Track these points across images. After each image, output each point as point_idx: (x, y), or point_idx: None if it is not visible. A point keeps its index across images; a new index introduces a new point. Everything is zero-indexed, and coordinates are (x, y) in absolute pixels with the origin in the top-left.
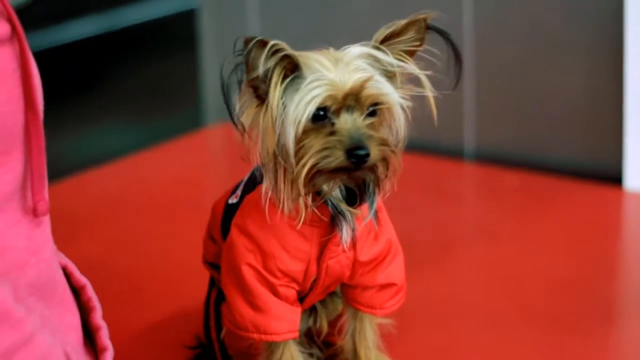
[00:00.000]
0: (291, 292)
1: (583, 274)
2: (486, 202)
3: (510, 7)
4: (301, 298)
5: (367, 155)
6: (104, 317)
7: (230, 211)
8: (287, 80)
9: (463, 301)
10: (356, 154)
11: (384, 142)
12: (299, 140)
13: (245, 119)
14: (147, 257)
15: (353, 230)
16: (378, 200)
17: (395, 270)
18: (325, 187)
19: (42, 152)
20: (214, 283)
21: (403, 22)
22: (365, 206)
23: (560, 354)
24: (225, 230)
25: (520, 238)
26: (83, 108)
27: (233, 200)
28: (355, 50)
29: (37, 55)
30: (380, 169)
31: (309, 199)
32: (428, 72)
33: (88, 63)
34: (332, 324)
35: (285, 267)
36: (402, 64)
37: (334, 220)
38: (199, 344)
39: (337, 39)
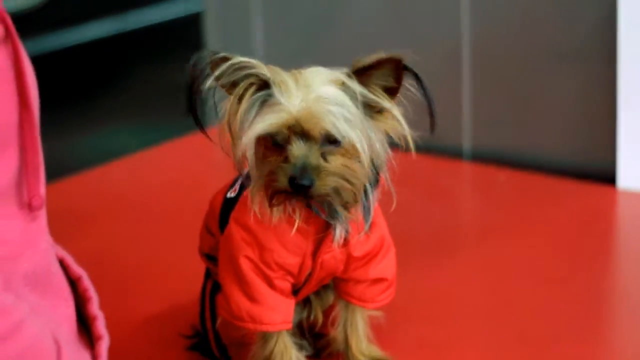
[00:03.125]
0: (286, 285)
1: (576, 271)
2: (482, 200)
3: (507, 11)
4: (295, 290)
5: (310, 186)
6: (102, 309)
7: (228, 205)
8: (256, 95)
9: (456, 297)
10: (297, 184)
11: (337, 173)
12: (263, 156)
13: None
14: (145, 252)
15: (347, 230)
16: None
17: (386, 266)
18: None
19: (37, 149)
20: (209, 275)
21: (377, 57)
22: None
23: (553, 351)
24: (223, 223)
25: (515, 236)
26: (89, 108)
27: (231, 194)
28: (326, 75)
29: (45, 58)
30: (336, 199)
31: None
32: (396, 108)
33: (95, 65)
34: (324, 315)
35: (281, 260)
36: (373, 97)
37: (328, 219)
38: (195, 334)
39: (340, 41)
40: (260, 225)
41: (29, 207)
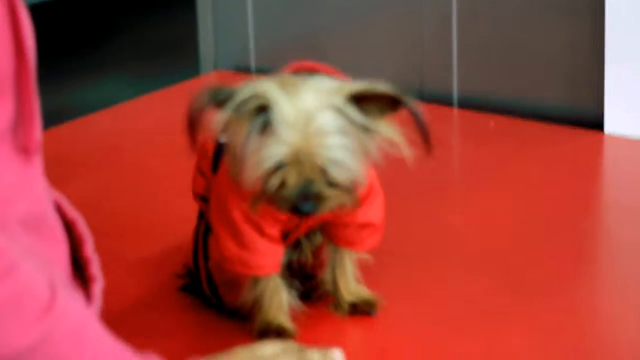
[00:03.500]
0: (275, 232)
1: (562, 215)
2: (470, 146)
3: None
4: (285, 234)
5: (311, 212)
6: (96, 252)
7: (220, 148)
8: (257, 118)
9: (445, 241)
10: (300, 211)
11: (337, 197)
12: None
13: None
14: (140, 197)
15: None
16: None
17: (374, 211)
18: None
19: (33, 95)
20: (202, 216)
21: (375, 89)
22: None
23: (539, 292)
24: (215, 164)
25: (503, 180)
26: (83, 58)
27: (224, 139)
28: (325, 98)
29: (42, 8)
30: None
31: None
32: (393, 131)
33: (90, 16)
34: (314, 255)
35: (270, 211)
36: (367, 123)
37: None
38: (187, 272)
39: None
40: None
41: (26, 152)
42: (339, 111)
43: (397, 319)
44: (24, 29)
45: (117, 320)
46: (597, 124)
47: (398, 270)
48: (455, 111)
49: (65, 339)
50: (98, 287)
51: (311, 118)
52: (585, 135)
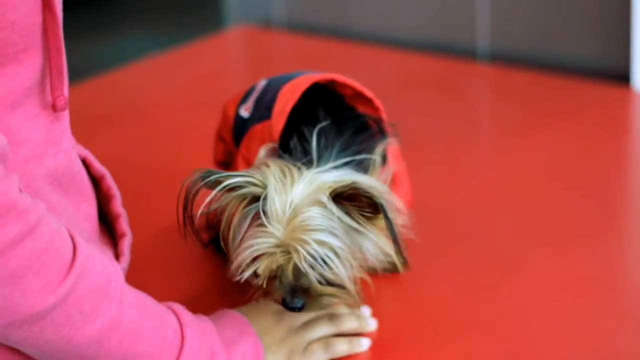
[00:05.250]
0: None
1: (589, 170)
2: (496, 100)
3: None
4: None
5: (300, 307)
6: (125, 208)
7: (241, 123)
8: (249, 207)
9: (473, 195)
10: (288, 305)
11: (329, 294)
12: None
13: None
14: (166, 154)
15: None
16: None
17: (400, 197)
18: None
19: (61, 50)
20: None
21: (353, 189)
22: None
23: (568, 247)
24: (237, 139)
25: (530, 136)
26: (110, 13)
27: (244, 112)
28: (313, 195)
29: None
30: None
31: None
32: (377, 234)
33: None
34: None
35: None
36: (352, 223)
37: None
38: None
39: None
40: None
41: (53, 108)
42: (327, 208)
43: (424, 276)
44: None
45: (143, 276)
46: (624, 77)
47: (424, 228)
48: (480, 65)
49: (89, 294)
50: (127, 242)
51: (298, 216)
52: (613, 89)
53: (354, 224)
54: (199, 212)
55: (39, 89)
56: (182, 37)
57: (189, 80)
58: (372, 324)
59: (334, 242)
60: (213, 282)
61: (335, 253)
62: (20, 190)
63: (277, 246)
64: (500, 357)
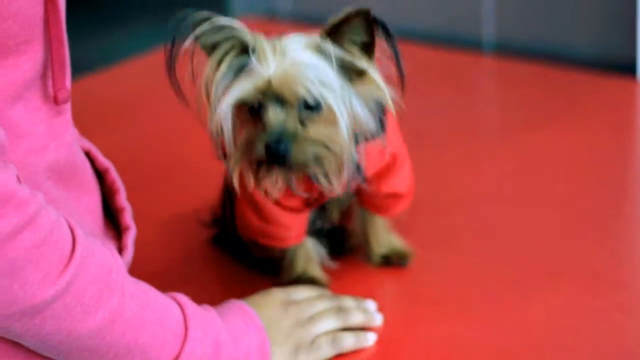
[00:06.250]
0: (297, 202)
1: (596, 161)
2: (502, 92)
3: None
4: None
5: (286, 152)
6: (129, 201)
7: None
8: (236, 60)
9: (479, 190)
10: (273, 151)
11: (315, 139)
12: (240, 127)
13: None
14: (172, 148)
15: (349, 182)
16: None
17: (400, 181)
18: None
19: (63, 43)
20: None
21: (345, 12)
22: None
23: (574, 241)
24: None
25: (537, 128)
26: (114, 8)
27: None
28: (304, 41)
29: None
30: (321, 165)
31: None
32: (373, 67)
33: None
34: (342, 214)
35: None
36: (348, 56)
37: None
38: (215, 222)
39: None
40: None
41: (55, 100)
42: (318, 49)
43: (431, 269)
44: None
45: (148, 269)
46: (630, 68)
47: (431, 220)
48: (486, 56)
49: (89, 286)
50: (131, 236)
51: (289, 55)
52: (618, 81)
53: (350, 57)
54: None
55: (40, 82)
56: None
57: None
58: (378, 319)
59: (327, 80)
60: (217, 273)
61: (328, 89)
62: (20, 182)
63: (266, 83)
64: (508, 352)
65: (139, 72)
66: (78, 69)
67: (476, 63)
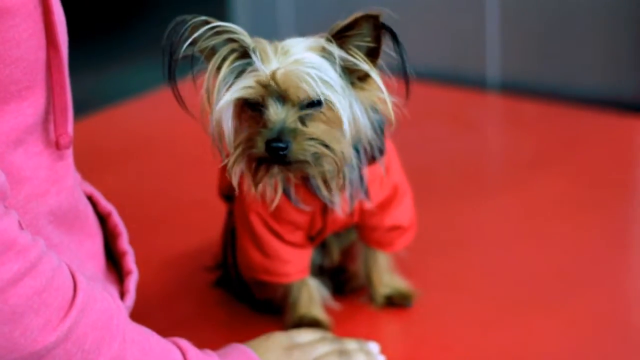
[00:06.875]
0: (299, 237)
1: (601, 201)
2: (507, 131)
3: None
4: (311, 237)
5: (285, 148)
6: (131, 244)
7: None
8: (236, 63)
9: (484, 229)
10: (273, 147)
11: (315, 137)
12: (241, 125)
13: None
14: (174, 189)
15: (352, 196)
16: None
17: (402, 213)
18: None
19: (65, 88)
20: (231, 214)
21: (353, 16)
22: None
23: (579, 281)
24: None
25: (542, 167)
26: (116, 44)
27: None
28: (307, 43)
29: None
30: (320, 164)
31: (279, 184)
32: (375, 72)
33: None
34: (343, 253)
35: (290, 217)
36: (351, 59)
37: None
38: (218, 266)
39: None
40: None
41: (57, 146)
42: (322, 51)
43: (434, 310)
44: (55, 19)
45: (150, 313)
46: (635, 107)
47: (435, 261)
48: (490, 95)
49: (90, 332)
50: (133, 280)
51: (292, 54)
52: (624, 120)
53: (354, 60)
54: (185, 48)
55: (42, 127)
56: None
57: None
58: None
59: (330, 80)
60: (219, 316)
61: (330, 89)
62: (22, 228)
63: (268, 79)
64: None
65: (138, 113)
66: (84, 109)
67: (481, 101)
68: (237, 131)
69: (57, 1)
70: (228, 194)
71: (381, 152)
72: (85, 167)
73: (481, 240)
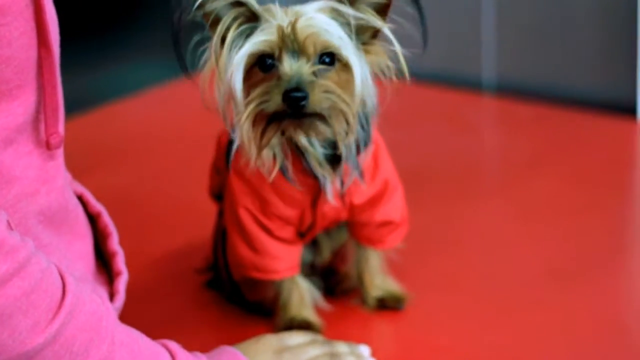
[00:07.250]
0: (288, 233)
1: (596, 203)
2: (502, 133)
3: None
4: (302, 233)
5: (304, 98)
6: (121, 245)
7: (232, 145)
8: (243, 27)
9: (479, 230)
10: (291, 97)
11: (331, 90)
12: (253, 85)
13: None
14: (165, 188)
15: (342, 181)
16: (360, 159)
17: (392, 208)
18: (277, 142)
19: (56, 88)
20: (222, 214)
21: None
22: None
23: (573, 282)
24: (229, 159)
25: (537, 168)
26: (110, 42)
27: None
28: (315, 5)
29: None
30: (333, 120)
31: (277, 152)
32: (391, 26)
33: None
34: (334, 254)
35: (279, 212)
36: (364, 16)
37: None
38: (209, 267)
39: None
40: (257, 176)
41: (47, 145)
42: (333, 12)
43: (427, 312)
44: (47, 18)
45: (140, 313)
46: (630, 110)
47: (428, 262)
48: (486, 96)
49: (79, 334)
50: (122, 281)
51: (302, 12)
52: (619, 122)
53: (365, 17)
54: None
55: (32, 126)
56: (190, 66)
57: (193, 113)
58: None
59: (343, 38)
60: (209, 318)
61: (344, 46)
62: (11, 228)
63: (284, 32)
64: None
65: (134, 111)
66: (77, 107)
67: (477, 103)
68: (248, 90)
69: (49, 0)
70: (219, 194)
71: (366, 144)
72: (80, 165)
73: (476, 241)
